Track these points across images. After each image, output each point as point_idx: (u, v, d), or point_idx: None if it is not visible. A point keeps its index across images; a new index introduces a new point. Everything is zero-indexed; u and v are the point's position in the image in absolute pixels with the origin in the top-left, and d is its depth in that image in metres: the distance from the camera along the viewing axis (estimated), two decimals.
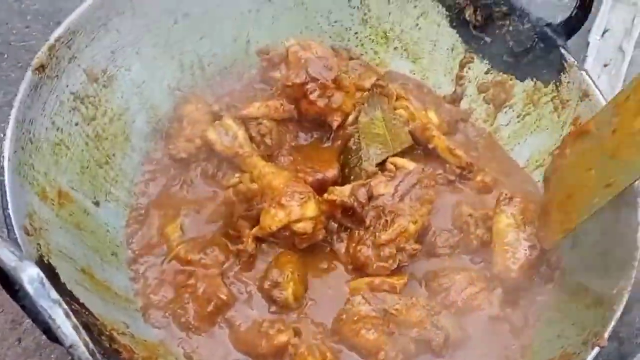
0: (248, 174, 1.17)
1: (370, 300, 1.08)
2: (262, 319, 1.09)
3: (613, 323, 0.97)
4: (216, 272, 1.11)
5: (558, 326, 1.08)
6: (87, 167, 1.14)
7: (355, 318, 1.07)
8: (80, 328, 0.74)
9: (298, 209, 1.10)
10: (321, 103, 1.23)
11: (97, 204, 1.15)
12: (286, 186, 1.12)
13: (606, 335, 0.96)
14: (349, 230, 1.17)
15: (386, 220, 1.13)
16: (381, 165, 1.23)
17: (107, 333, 0.95)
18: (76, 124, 1.13)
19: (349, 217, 1.15)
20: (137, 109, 1.25)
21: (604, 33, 2.51)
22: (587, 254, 1.11)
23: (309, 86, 1.22)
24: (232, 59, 1.38)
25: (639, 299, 1.45)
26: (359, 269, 1.14)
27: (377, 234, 1.13)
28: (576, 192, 1.06)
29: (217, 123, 1.22)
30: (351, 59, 1.40)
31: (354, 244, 1.15)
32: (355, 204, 1.12)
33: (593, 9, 2.56)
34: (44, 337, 1.09)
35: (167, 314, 1.09)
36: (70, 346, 0.73)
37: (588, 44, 2.43)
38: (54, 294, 0.73)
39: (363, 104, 1.26)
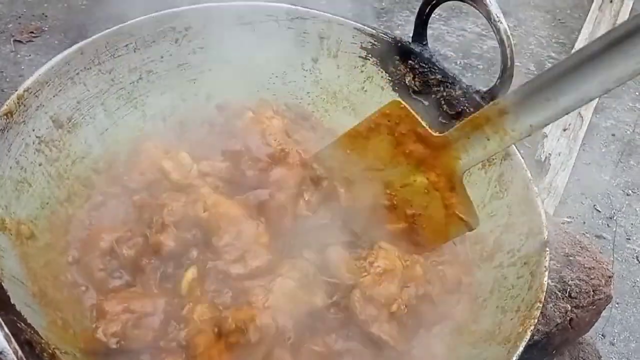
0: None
1: None
2: None
3: (515, 357, 1.05)
4: None
5: None
6: (47, 204, 1.25)
7: None
8: (12, 338, 0.82)
9: None
10: (250, 174, 1.25)
11: None
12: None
13: None
14: None
15: None
16: None
17: (50, 351, 1.02)
18: (39, 164, 1.24)
19: None
20: (99, 154, 1.36)
21: None
22: (503, 296, 1.22)
23: (244, 157, 1.27)
24: (192, 111, 1.49)
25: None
26: None
27: None
28: None
29: (173, 154, 1.27)
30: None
31: None
32: None
33: None
34: None
35: None
36: (1, 352, 0.81)
37: None
38: None
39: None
